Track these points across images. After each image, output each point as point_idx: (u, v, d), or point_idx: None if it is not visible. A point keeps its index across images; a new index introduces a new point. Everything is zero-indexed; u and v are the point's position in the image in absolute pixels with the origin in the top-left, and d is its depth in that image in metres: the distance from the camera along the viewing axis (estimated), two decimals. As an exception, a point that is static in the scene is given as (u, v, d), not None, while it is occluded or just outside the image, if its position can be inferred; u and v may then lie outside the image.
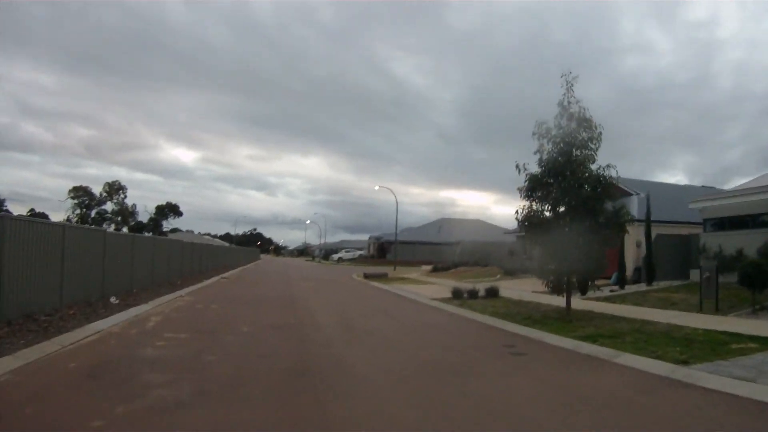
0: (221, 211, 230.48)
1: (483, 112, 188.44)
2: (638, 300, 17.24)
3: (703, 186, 40.06)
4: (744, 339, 9.91)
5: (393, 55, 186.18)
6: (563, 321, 13.00)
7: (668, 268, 22.54)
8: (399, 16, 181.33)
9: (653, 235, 21.99)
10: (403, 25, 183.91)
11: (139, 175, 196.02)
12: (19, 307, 10.32)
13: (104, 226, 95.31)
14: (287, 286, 26.12)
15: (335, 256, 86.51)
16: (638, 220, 22.12)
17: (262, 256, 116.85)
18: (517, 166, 13.88)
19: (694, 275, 21.44)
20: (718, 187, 37.55)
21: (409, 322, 13.90)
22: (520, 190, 13.94)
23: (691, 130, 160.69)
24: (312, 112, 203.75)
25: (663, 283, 21.41)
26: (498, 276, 32.57)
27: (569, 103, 13.68)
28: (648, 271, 21.74)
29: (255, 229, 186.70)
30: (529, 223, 13.65)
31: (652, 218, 21.94)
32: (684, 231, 24.64)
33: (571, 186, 13.30)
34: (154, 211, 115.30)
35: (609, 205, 13.52)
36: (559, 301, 17.01)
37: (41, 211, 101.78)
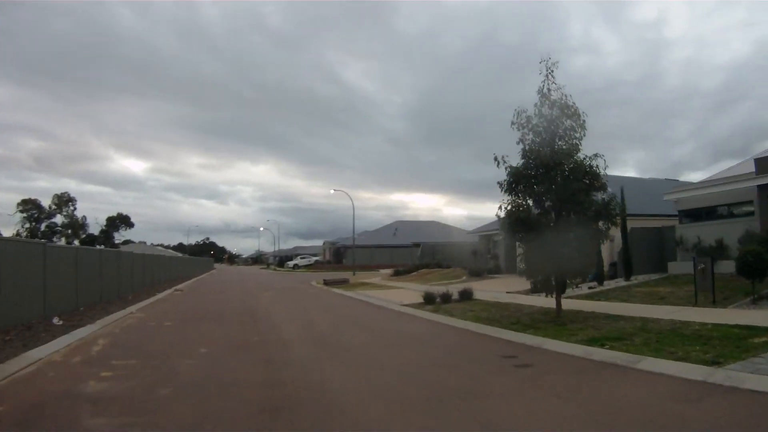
0: (173, 222, 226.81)
1: (432, 115, 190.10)
2: (623, 296, 16.43)
3: (666, 179, 40.11)
4: (762, 332, 9.14)
5: (342, 60, 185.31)
6: (556, 324, 11.93)
7: (644, 262, 22.05)
8: (348, 20, 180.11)
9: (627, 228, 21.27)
10: (352, 30, 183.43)
11: (90, 187, 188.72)
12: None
13: (54, 239, 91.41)
14: (245, 297, 24.35)
15: (291, 263, 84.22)
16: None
17: (216, 265, 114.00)
18: (495, 159, 12.80)
19: (672, 268, 21.10)
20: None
21: (386, 333, 12.53)
22: (500, 184, 12.86)
23: (640, 127, 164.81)
24: (262, 120, 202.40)
25: (641, 278, 20.84)
26: (464, 277, 31.54)
27: (549, 90, 12.72)
28: (625, 266, 21.12)
29: (208, 239, 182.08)
30: (514, 219, 12.50)
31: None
32: (657, 224, 24.18)
33: (556, 178, 12.30)
34: (105, 222, 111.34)
35: (598, 198, 12.56)
36: (541, 301, 16.11)
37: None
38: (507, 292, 20.37)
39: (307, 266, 77.85)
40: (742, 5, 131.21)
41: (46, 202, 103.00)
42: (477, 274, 31.28)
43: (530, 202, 12.66)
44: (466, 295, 18.30)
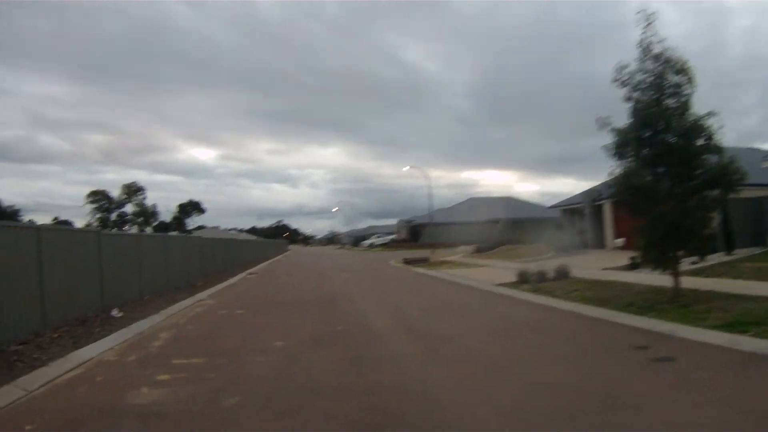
0: (245, 206, 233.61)
1: (496, 92, 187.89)
2: (732, 272, 14.71)
3: (749, 148, 36.84)
4: None
5: (402, 43, 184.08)
6: (678, 305, 10.57)
7: (742, 235, 19.90)
8: (404, 4, 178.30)
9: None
10: (410, 12, 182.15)
11: (160, 177, 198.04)
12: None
13: (126, 228, 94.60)
14: (322, 280, 23.45)
15: (366, 243, 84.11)
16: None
17: (291, 246, 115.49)
18: (598, 120, 11.51)
19: None
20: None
21: (487, 318, 11.44)
22: (606, 148, 11.56)
23: (706, 98, 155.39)
24: (327, 104, 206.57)
25: (742, 252, 18.92)
26: (549, 254, 29.96)
27: (650, 43, 11.25)
28: (727, 240, 19.10)
29: (281, 221, 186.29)
30: (625, 187, 11.14)
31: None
32: (751, 194, 21.94)
33: (668, 140, 10.93)
34: (176, 209, 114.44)
35: (714, 161, 11.06)
36: (646, 279, 14.70)
37: (65, 218, 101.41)
38: (603, 269, 18.92)
39: (383, 245, 77.44)
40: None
41: (115, 193, 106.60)
42: (563, 250, 29.61)
43: (640, 167, 11.27)
44: (562, 273, 17.01)
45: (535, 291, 14.63)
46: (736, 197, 20.60)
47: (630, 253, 20.35)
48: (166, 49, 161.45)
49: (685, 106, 11.01)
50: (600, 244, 31.20)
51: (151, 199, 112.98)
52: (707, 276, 14.52)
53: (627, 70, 11.40)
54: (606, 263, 20.59)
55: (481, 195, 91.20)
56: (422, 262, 32.58)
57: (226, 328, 11.01)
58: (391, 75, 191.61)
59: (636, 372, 6.50)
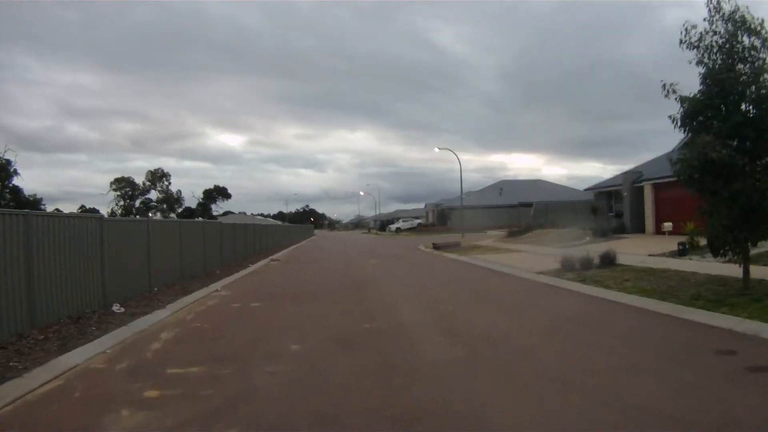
0: (273, 192, 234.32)
1: (526, 76, 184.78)
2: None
3: None
4: None
5: (432, 26, 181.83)
6: (750, 299, 9.32)
7: None
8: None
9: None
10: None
11: (188, 163, 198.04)
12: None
13: (150, 214, 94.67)
14: (347, 266, 22.11)
15: (392, 227, 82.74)
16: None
17: (317, 231, 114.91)
18: (663, 86, 10.15)
19: None
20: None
21: (533, 313, 10.02)
22: (673, 119, 10.17)
23: None
24: (356, 89, 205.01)
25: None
26: (586, 238, 28.39)
27: (719, 1, 9.76)
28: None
29: (307, 206, 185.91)
30: (705, 162, 9.66)
31: None
32: None
33: (746, 109, 9.57)
34: (201, 195, 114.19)
35: None
36: (703, 267, 13.60)
37: (91, 206, 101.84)
38: (649, 255, 17.48)
39: (410, 229, 76.23)
40: None
41: (140, 180, 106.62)
42: (602, 234, 28.02)
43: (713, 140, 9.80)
44: (608, 260, 15.64)
45: (582, 280, 13.29)
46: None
47: (678, 238, 18.92)
48: (195, 36, 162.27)
49: (761, 71, 9.58)
50: (640, 228, 29.53)
51: (179, 185, 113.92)
52: (760, 263, 13.00)
53: (696, 30, 10.01)
54: (651, 249, 19.16)
55: (510, 178, 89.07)
56: (453, 247, 31.23)
57: (237, 325, 9.71)
58: (420, 58, 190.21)
59: (730, 386, 5.27)
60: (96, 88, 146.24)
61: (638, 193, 30.20)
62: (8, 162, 66.75)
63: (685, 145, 10.40)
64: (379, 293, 13.34)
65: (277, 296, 13.49)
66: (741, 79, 9.52)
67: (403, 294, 13.17)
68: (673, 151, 32.38)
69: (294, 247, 44.88)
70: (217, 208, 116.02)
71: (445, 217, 72.14)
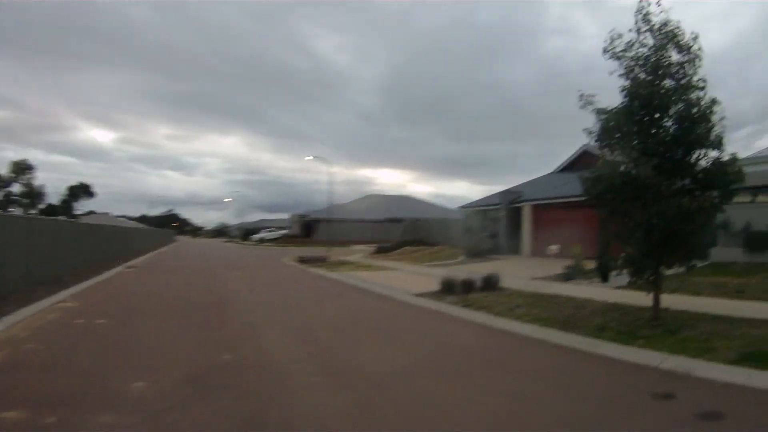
0: (138, 193, 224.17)
1: (404, 91, 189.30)
2: (686, 288, 12.81)
3: None
4: None
5: (317, 33, 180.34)
6: (660, 329, 8.55)
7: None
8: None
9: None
10: (328, 1, 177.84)
11: (57, 157, 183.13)
12: None
13: (11, 209, 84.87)
14: (209, 279, 19.78)
15: (256, 236, 79.19)
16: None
17: (179, 237, 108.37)
18: (581, 97, 9.22)
19: (716, 254, 18.18)
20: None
21: (424, 346, 8.36)
22: (588, 132, 9.24)
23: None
24: (233, 92, 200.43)
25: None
26: (460, 258, 27.89)
27: (648, 13, 9.08)
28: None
29: (171, 210, 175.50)
30: (610, 183, 8.79)
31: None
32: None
33: (666, 125, 8.93)
34: (65, 192, 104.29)
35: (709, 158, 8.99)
36: (596, 293, 12.94)
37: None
38: (533, 279, 16.79)
39: (274, 240, 73.30)
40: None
41: (5, 172, 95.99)
42: (476, 254, 27.60)
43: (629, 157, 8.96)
44: (491, 283, 14.57)
45: (468, 305, 11.98)
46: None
47: (559, 261, 18.54)
48: (80, 24, 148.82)
49: (685, 90, 8.85)
50: (515, 249, 29.33)
51: (44, 179, 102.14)
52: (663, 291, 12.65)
53: (620, 41, 9.23)
54: (533, 272, 18.63)
55: (378, 192, 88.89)
56: (320, 261, 29.35)
57: (75, 349, 7.78)
58: (301, 66, 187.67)
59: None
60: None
61: (515, 213, 30.02)
62: None
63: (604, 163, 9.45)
64: (242, 314, 11.47)
65: (127, 311, 11.41)
66: (668, 94, 8.76)
67: (270, 316, 11.37)
68: (553, 173, 33.05)
69: (153, 253, 40.82)
70: (81, 206, 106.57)
71: (310, 229, 70.08)
